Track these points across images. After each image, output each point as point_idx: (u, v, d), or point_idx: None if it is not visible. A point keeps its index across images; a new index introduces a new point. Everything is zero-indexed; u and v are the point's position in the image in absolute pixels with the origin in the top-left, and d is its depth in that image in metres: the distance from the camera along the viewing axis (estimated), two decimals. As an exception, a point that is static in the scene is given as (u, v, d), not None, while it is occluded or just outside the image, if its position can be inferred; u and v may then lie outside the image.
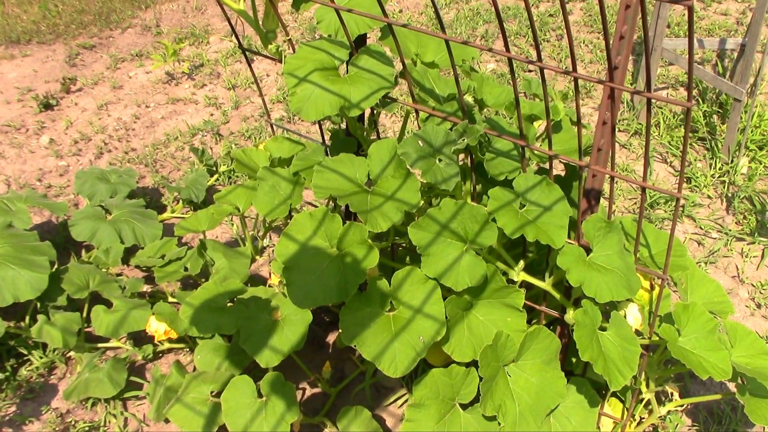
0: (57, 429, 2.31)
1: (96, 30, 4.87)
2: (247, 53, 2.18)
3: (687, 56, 3.56)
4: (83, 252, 2.90)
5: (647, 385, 2.09)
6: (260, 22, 1.89)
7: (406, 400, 2.37)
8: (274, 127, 2.48)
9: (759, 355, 1.98)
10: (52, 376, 2.49)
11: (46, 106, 3.97)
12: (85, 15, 5.04)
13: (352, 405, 2.13)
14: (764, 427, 2.28)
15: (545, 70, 1.44)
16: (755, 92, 3.25)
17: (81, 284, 2.45)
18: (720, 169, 3.43)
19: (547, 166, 1.79)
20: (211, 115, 3.96)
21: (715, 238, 3.09)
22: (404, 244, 2.26)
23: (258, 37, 4.57)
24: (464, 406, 1.83)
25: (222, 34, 4.81)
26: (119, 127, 3.84)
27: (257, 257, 2.72)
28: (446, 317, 1.73)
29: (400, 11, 5.10)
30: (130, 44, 4.71)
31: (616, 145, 3.61)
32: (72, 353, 2.52)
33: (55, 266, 2.51)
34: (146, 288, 2.76)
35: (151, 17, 5.03)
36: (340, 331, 1.72)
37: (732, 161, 3.42)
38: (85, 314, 2.45)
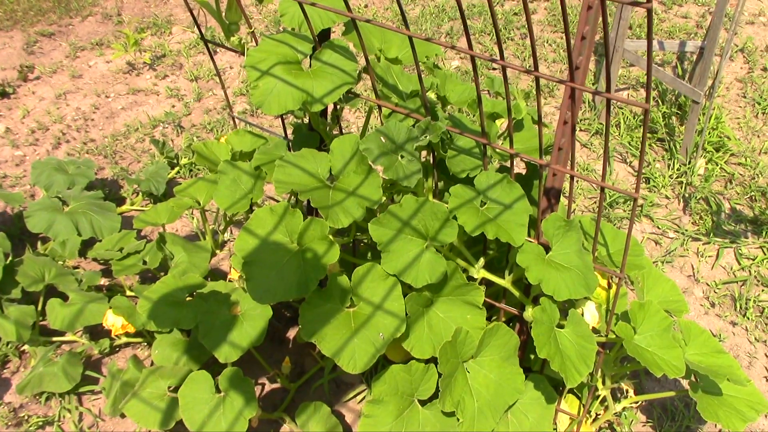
0: (9, 424, 2.26)
1: (55, 17, 4.77)
2: (209, 45, 2.15)
3: (648, 58, 3.61)
4: (39, 244, 2.85)
5: (603, 382, 2.12)
6: (223, 14, 1.87)
7: (365, 396, 2.38)
8: (237, 120, 2.46)
9: (712, 354, 2.02)
10: (5, 370, 2.44)
11: (2, 95, 3.88)
12: (44, 2, 4.93)
13: (311, 400, 2.13)
14: (716, 424, 2.32)
15: (508, 69, 1.45)
16: (713, 94, 3.31)
17: (36, 277, 2.41)
18: (678, 169, 3.48)
19: (508, 164, 1.80)
20: (173, 106, 3.91)
21: (672, 238, 3.14)
22: (365, 241, 2.26)
23: (221, 29, 4.53)
24: (423, 402, 1.84)
25: (185, 24, 4.75)
26: (78, 117, 3.78)
27: (218, 251, 2.70)
28: (406, 314, 1.73)
29: (366, 6, 5.08)
30: (91, 33, 4.63)
31: (577, 144, 3.65)
32: (26, 347, 2.48)
33: (10, 258, 2.45)
34: (104, 281, 2.72)
35: (112, 6, 4.95)
36: (300, 326, 1.72)
37: (689, 162, 3.48)
38: (40, 307, 2.41)
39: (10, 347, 2.47)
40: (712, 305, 2.83)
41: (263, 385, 2.41)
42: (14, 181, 3.30)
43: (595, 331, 1.88)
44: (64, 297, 2.40)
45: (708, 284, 2.92)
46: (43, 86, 4.02)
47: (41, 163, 2.98)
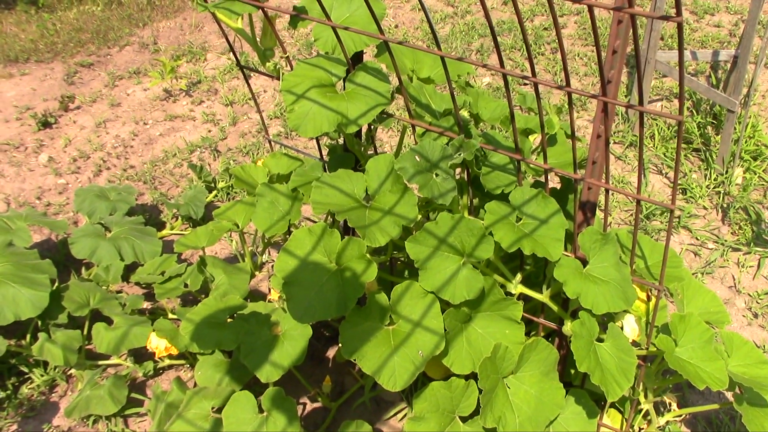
0: (58, 446, 2.31)
1: (94, 48, 4.90)
2: (244, 70, 2.20)
3: (680, 68, 3.59)
4: (83, 269, 2.91)
5: (645, 396, 2.10)
6: (258, 40, 1.92)
7: (406, 414, 2.38)
8: (272, 143, 2.50)
9: (756, 365, 1.99)
10: (53, 394, 2.49)
11: (45, 125, 3.99)
12: (83, 33, 5.07)
13: (352, 419, 2.14)
14: (763, 436, 2.29)
15: (540, 84, 1.46)
16: (748, 103, 3.28)
17: (81, 302, 2.46)
18: (715, 179, 3.45)
19: (542, 179, 1.81)
20: (209, 131, 3.98)
21: (711, 249, 3.11)
22: (402, 259, 2.28)
23: (255, 54, 4.60)
24: (464, 419, 1.84)
25: (219, 51, 4.84)
26: (118, 144, 3.86)
27: (256, 273, 2.73)
28: (445, 330, 1.74)
29: (396, 26, 5.13)
30: (128, 62, 4.74)
31: (612, 157, 3.64)
32: (73, 371, 2.53)
33: (56, 284, 2.51)
34: (146, 305, 2.77)
35: (148, 35, 5.07)
36: (340, 345, 1.74)
37: (727, 172, 3.44)
38: (85, 332, 2.46)
39: (57, 371, 2.53)
40: (755, 316, 2.79)
41: (304, 404, 2.43)
42: (58, 208, 3.38)
43: (635, 344, 1.87)
44: (108, 321, 2.44)
45: (750, 295, 2.88)
46: (84, 115, 4.12)
47: (83, 190, 3.05)
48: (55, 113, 4.09)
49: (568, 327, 1.81)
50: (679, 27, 1.15)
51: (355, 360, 1.71)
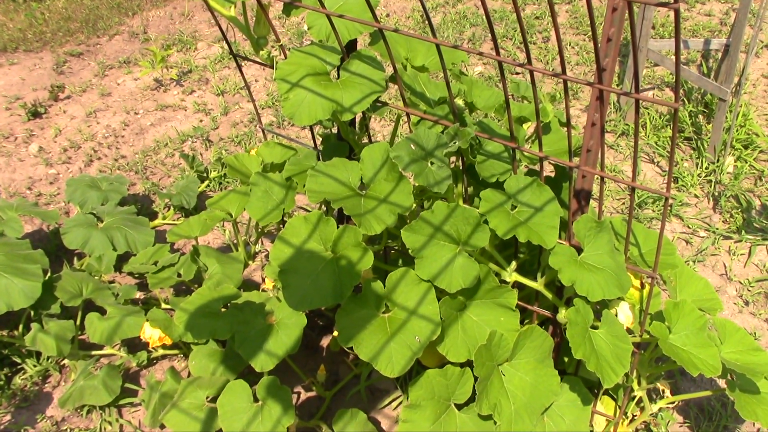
0: (52, 437, 2.31)
1: (83, 37, 4.86)
2: (237, 58, 2.19)
3: (672, 57, 3.60)
4: (75, 260, 2.90)
5: (639, 383, 2.11)
6: (251, 28, 1.91)
7: (401, 402, 2.39)
8: (266, 132, 2.49)
9: (748, 351, 2.00)
10: (46, 385, 2.49)
11: (35, 114, 3.96)
12: (72, 22, 5.03)
13: (347, 408, 2.14)
14: (754, 423, 2.31)
15: (535, 72, 1.46)
16: (740, 92, 3.29)
17: (74, 292, 2.45)
18: (706, 168, 3.46)
19: (537, 167, 1.81)
20: (201, 121, 3.96)
21: (702, 237, 3.13)
22: (396, 247, 2.28)
23: (246, 43, 4.58)
24: (459, 406, 1.85)
25: (210, 39, 4.81)
26: (108, 134, 3.84)
27: (250, 262, 2.73)
28: (441, 318, 1.74)
29: (387, 15, 5.12)
30: (118, 51, 4.71)
31: (604, 146, 3.64)
32: (66, 361, 2.52)
33: (48, 274, 2.50)
34: (139, 295, 2.77)
35: (138, 24, 5.03)
36: (337, 333, 1.74)
37: (718, 160, 3.46)
38: (78, 322, 2.45)
39: (50, 362, 2.52)
40: (746, 303, 2.81)
41: (299, 393, 2.43)
42: (49, 198, 3.36)
43: (629, 331, 1.88)
44: (101, 311, 2.44)
45: (741, 282, 2.90)
46: (74, 105, 4.09)
47: (75, 180, 3.03)
48: (44, 103, 4.06)
49: (562, 314, 1.81)
50: (676, 13, 1.15)
51: (351, 348, 1.71)
